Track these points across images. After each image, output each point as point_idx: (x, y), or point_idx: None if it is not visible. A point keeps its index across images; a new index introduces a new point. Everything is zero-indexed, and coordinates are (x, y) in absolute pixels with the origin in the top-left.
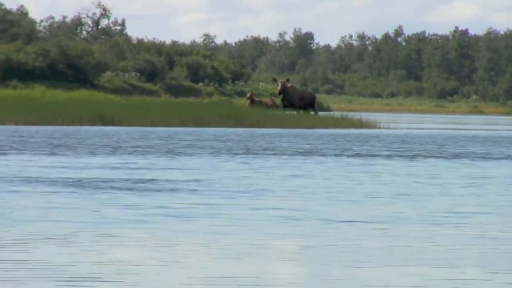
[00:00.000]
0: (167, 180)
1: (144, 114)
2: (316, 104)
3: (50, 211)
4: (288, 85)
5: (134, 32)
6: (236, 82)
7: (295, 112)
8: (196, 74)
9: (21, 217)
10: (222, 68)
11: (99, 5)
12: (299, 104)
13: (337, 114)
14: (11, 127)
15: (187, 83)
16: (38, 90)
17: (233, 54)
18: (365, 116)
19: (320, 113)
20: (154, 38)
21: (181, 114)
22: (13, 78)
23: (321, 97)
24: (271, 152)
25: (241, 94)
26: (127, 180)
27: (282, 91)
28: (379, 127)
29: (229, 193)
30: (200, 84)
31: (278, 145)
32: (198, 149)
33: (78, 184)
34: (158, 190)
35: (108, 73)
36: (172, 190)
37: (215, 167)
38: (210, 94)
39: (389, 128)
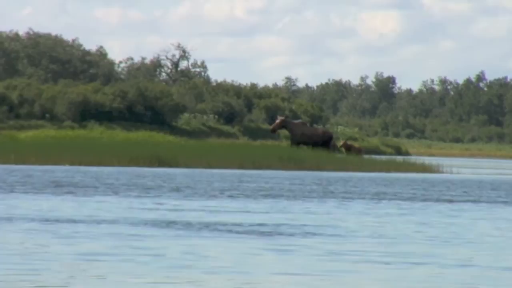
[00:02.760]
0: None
1: (202, 156)
2: (332, 142)
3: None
4: (296, 121)
5: (216, 75)
6: (314, 125)
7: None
8: (274, 117)
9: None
10: (300, 111)
11: (178, 47)
12: (301, 140)
13: (399, 158)
14: (69, 167)
15: (265, 125)
16: (116, 132)
17: (315, 97)
18: (436, 160)
19: (396, 157)
20: (233, 81)
21: (240, 156)
22: (90, 119)
23: (400, 141)
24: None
25: (346, 139)
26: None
27: (279, 128)
28: (441, 172)
29: (381, 239)
30: None
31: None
32: (299, 192)
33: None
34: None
35: (186, 115)
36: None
37: (338, 212)
38: (288, 137)
39: (451, 172)
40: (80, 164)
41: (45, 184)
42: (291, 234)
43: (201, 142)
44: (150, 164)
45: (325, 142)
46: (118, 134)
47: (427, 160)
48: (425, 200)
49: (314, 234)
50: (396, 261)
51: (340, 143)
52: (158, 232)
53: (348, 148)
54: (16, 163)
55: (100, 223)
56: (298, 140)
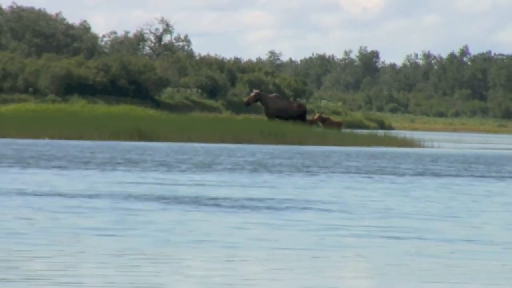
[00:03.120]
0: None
1: (183, 130)
2: (305, 115)
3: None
4: (271, 95)
5: (200, 49)
6: (298, 99)
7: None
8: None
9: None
10: (284, 85)
11: (162, 20)
12: (276, 114)
13: (380, 132)
14: (45, 141)
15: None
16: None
17: (299, 71)
18: (419, 134)
19: (377, 131)
20: (216, 55)
21: (221, 131)
22: (74, 93)
23: (384, 115)
24: (346, 171)
25: (321, 112)
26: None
27: (254, 101)
28: (423, 146)
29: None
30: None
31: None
32: (276, 166)
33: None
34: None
35: (170, 89)
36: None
37: (318, 186)
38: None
39: (432, 147)
40: (60, 137)
41: (34, 158)
42: (287, 208)
43: (182, 116)
44: (131, 138)
45: (299, 115)
46: (99, 108)
47: (409, 134)
48: (413, 174)
49: (312, 209)
50: (405, 237)
51: (315, 116)
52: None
53: (323, 121)
54: None
55: (92, 197)
56: (273, 114)
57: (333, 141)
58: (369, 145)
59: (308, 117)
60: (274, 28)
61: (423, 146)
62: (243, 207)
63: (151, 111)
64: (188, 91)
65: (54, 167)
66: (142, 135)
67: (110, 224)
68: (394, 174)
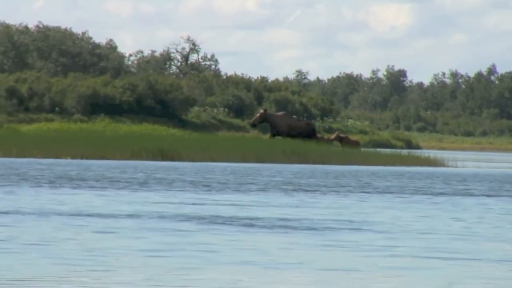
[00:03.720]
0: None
1: (205, 150)
2: (315, 134)
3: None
4: (279, 113)
5: (227, 68)
6: (324, 118)
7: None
8: (284, 110)
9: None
10: (311, 104)
11: (188, 40)
12: (288, 132)
13: (404, 151)
14: (66, 161)
15: None
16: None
17: (326, 90)
18: (446, 154)
19: (400, 150)
20: (243, 74)
21: (243, 150)
22: (100, 113)
23: (411, 134)
24: (384, 191)
25: (330, 130)
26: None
27: (261, 121)
28: (446, 165)
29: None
30: None
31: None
32: (308, 186)
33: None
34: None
35: (196, 108)
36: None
37: (356, 206)
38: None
39: (456, 166)
40: (82, 157)
41: (66, 177)
42: (334, 229)
43: (204, 135)
44: (153, 158)
45: (308, 133)
46: (122, 127)
47: (436, 153)
48: (449, 194)
49: (356, 229)
50: (459, 257)
51: (333, 135)
52: (203, 227)
53: (341, 140)
54: (18, 156)
55: (133, 218)
56: (282, 132)
57: (357, 160)
58: (393, 164)
59: (326, 136)
60: (301, 47)
61: (447, 166)
62: (285, 227)
63: (174, 131)
64: (215, 110)
65: (88, 187)
66: (164, 155)
67: (161, 245)
68: (428, 193)
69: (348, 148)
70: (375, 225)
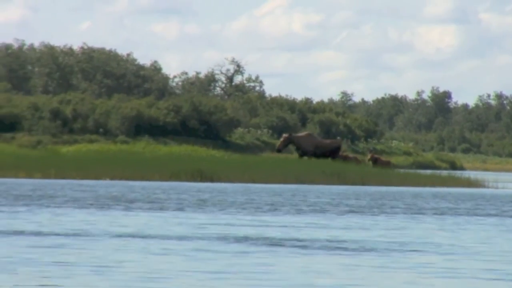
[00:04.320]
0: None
1: (245, 171)
2: (338, 152)
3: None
4: (303, 134)
5: (272, 90)
6: (369, 140)
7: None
8: (328, 131)
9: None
10: (355, 125)
11: (233, 61)
12: (314, 152)
13: (444, 172)
14: (106, 182)
15: None
16: (159, 147)
17: (371, 112)
18: (488, 175)
19: (442, 171)
20: (287, 95)
21: (283, 171)
22: (144, 134)
23: (456, 156)
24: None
25: (374, 152)
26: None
27: (286, 145)
28: (486, 186)
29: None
30: None
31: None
32: (358, 208)
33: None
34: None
35: (240, 129)
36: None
37: (411, 228)
38: (342, 152)
39: (496, 187)
40: (121, 178)
41: (123, 199)
42: (394, 250)
43: (243, 156)
44: (192, 179)
45: (332, 151)
46: (161, 148)
47: (480, 174)
48: (497, 215)
49: (417, 251)
50: None
51: (368, 156)
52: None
53: (375, 161)
54: (57, 177)
55: (182, 239)
56: (308, 152)
57: (396, 181)
58: (432, 185)
59: (361, 157)
60: (347, 68)
61: (487, 187)
62: (346, 249)
63: (214, 152)
64: (259, 131)
65: (141, 208)
66: (203, 176)
67: (226, 267)
68: (479, 215)
69: (380, 169)
70: (434, 247)
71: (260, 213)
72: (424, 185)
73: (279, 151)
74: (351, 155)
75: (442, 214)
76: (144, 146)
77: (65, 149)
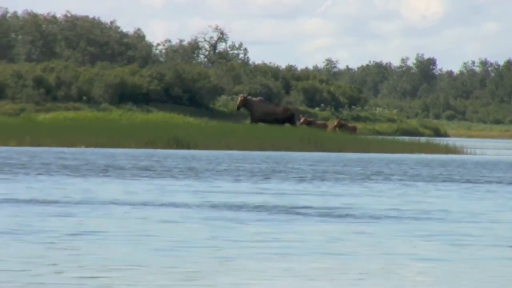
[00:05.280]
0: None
1: (221, 138)
2: (295, 118)
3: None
4: (256, 99)
5: (258, 57)
6: (353, 107)
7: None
8: (312, 98)
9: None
10: (339, 93)
11: (216, 29)
12: (262, 118)
13: (423, 139)
14: (81, 150)
15: (303, 107)
16: (135, 114)
17: (355, 79)
18: (471, 142)
19: (423, 138)
20: (271, 63)
21: (259, 139)
22: (127, 101)
23: (440, 123)
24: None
25: (358, 119)
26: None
27: (242, 106)
28: (464, 153)
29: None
30: (316, 108)
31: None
32: (346, 174)
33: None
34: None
35: (224, 97)
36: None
37: (412, 194)
38: (326, 119)
39: (474, 154)
40: (96, 146)
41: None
42: (412, 218)
43: (220, 123)
44: (168, 146)
45: (286, 119)
46: (138, 116)
47: (464, 141)
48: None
49: (431, 219)
50: None
51: (335, 122)
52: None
53: (341, 126)
54: (32, 145)
55: (178, 207)
56: (258, 118)
57: (374, 148)
58: (410, 152)
59: (329, 123)
60: (332, 36)
61: (466, 153)
62: (349, 216)
63: (191, 119)
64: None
65: (134, 176)
66: (179, 143)
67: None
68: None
69: (347, 134)
70: (444, 214)
71: (259, 180)
72: (402, 151)
73: (238, 109)
74: (350, 124)
75: (447, 181)
76: (121, 114)
77: (41, 116)
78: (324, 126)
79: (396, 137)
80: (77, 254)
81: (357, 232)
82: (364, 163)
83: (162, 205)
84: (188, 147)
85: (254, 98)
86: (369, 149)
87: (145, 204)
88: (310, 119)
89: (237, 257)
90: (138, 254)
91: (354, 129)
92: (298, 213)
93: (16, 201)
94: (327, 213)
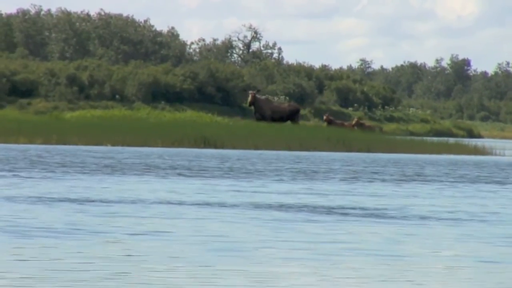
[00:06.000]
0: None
1: (248, 138)
2: (299, 116)
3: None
4: (262, 97)
5: (293, 57)
6: (386, 107)
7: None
8: (346, 98)
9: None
10: (372, 93)
11: (250, 28)
12: (271, 116)
13: (453, 140)
14: (106, 148)
15: (336, 107)
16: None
17: (390, 79)
18: (505, 143)
19: (464, 139)
20: (304, 62)
21: (287, 138)
22: (160, 100)
23: (473, 124)
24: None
25: (391, 119)
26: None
27: (253, 102)
28: (493, 154)
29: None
30: (350, 109)
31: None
32: (382, 175)
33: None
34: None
35: (257, 96)
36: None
37: (430, 195)
38: (359, 119)
39: (504, 155)
40: (122, 144)
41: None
42: (463, 220)
43: (248, 122)
44: (195, 145)
45: (291, 115)
46: (166, 114)
47: (497, 142)
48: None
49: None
50: None
51: (353, 121)
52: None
53: (360, 126)
54: (58, 143)
55: (225, 207)
56: (264, 116)
57: (402, 149)
58: (438, 152)
59: (346, 122)
60: (367, 36)
61: (495, 154)
62: (394, 217)
63: (218, 118)
64: (276, 98)
65: (168, 175)
66: (207, 142)
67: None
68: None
69: (369, 133)
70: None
71: (303, 180)
72: (430, 152)
73: (250, 105)
74: (367, 123)
75: (485, 182)
76: (149, 112)
77: (69, 114)
78: (342, 125)
79: (425, 138)
80: (143, 254)
81: (414, 234)
82: (401, 164)
83: (216, 204)
84: (215, 146)
85: (260, 97)
86: (397, 149)
87: (197, 204)
88: (361, 122)
89: (303, 258)
90: (205, 254)
91: (372, 128)
92: (350, 214)
93: (69, 200)
94: (381, 214)
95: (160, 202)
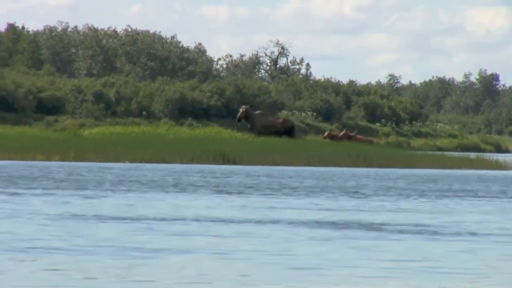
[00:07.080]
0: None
1: (267, 153)
2: (293, 131)
3: None
4: (256, 112)
5: (321, 72)
6: (413, 122)
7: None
8: (373, 114)
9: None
10: (400, 108)
11: (277, 44)
12: (261, 131)
13: (472, 154)
14: (125, 165)
15: (363, 122)
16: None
17: (418, 94)
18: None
19: (489, 154)
20: (332, 78)
21: (306, 154)
22: (188, 117)
23: (502, 138)
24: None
25: (418, 134)
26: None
27: (244, 117)
28: None
29: None
30: (377, 124)
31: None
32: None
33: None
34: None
35: (284, 112)
36: None
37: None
38: (387, 135)
39: None
40: (141, 161)
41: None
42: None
43: (267, 139)
44: (214, 161)
45: (285, 131)
46: (185, 131)
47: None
48: None
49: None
50: None
51: (341, 133)
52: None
53: (349, 138)
54: (76, 160)
55: (276, 223)
56: (258, 131)
57: (421, 163)
58: (459, 167)
59: (405, 140)
60: (396, 51)
61: None
62: (434, 233)
63: (238, 134)
64: (303, 114)
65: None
66: (226, 158)
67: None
68: None
69: (365, 145)
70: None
71: (334, 197)
72: (451, 167)
73: (239, 120)
74: (359, 135)
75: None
76: (168, 128)
77: (87, 131)
78: (370, 142)
79: (446, 152)
80: (208, 272)
81: (477, 250)
82: (429, 180)
83: (268, 222)
84: (234, 162)
85: (254, 112)
86: (417, 164)
87: (251, 221)
88: (351, 134)
89: (370, 275)
90: (277, 272)
91: (368, 141)
92: (402, 231)
93: (118, 218)
94: (436, 231)
95: (220, 220)
